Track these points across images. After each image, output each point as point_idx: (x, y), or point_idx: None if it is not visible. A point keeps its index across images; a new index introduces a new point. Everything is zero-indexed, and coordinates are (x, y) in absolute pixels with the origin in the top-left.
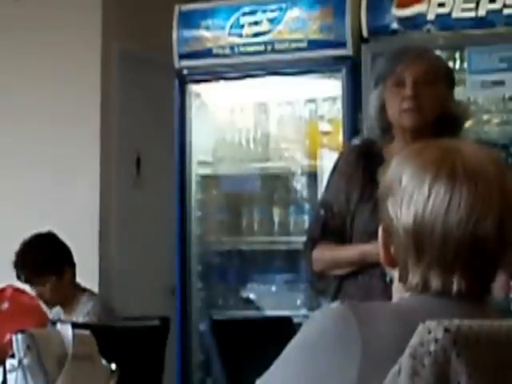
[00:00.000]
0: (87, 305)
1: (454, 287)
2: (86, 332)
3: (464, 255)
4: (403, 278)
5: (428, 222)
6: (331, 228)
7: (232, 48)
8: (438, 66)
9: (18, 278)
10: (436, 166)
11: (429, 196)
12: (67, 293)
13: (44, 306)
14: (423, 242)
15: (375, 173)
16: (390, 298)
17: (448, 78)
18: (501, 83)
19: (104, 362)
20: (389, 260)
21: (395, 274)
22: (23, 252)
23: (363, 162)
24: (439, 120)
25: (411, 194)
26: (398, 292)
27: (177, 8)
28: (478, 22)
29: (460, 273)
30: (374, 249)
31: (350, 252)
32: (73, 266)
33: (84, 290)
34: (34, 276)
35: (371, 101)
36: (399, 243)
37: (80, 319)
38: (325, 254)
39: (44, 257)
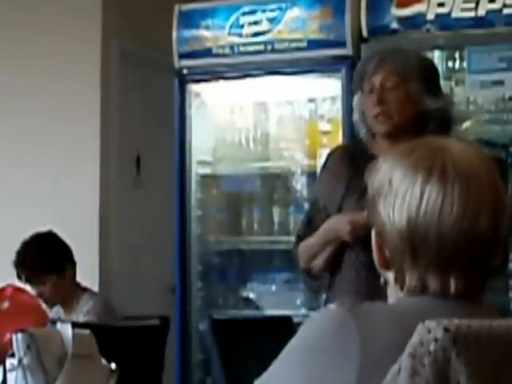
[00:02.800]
0: (88, 304)
1: (452, 288)
2: (86, 331)
3: (460, 255)
4: (399, 280)
5: (422, 225)
6: (317, 223)
7: (232, 48)
8: (405, 66)
9: (19, 277)
10: (427, 166)
11: (421, 198)
12: (67, 292)
13: (44, 306)
14: (418, 245)
15: (360, 166)
16: (376, 290)
17: (421, 75)
18: (500, 83)
19: (104, 361)
20: (383, 262)
21: (390, 276)
22: (24, 251)
23: (348, 158)
24: (419, 119)
25: (403, 197)
26: (394, 294)
27: (177, 8)
28: (477, 22)
29: (457, 273)
30: (332, 225)
31: (314, 237)
32: (73, 265)
33: (84, 289)
34: (35, 275)
35: (354, 106)
36: (394, 246)
37: (80, 318)
38: (302, 248)
39: (44, 256)
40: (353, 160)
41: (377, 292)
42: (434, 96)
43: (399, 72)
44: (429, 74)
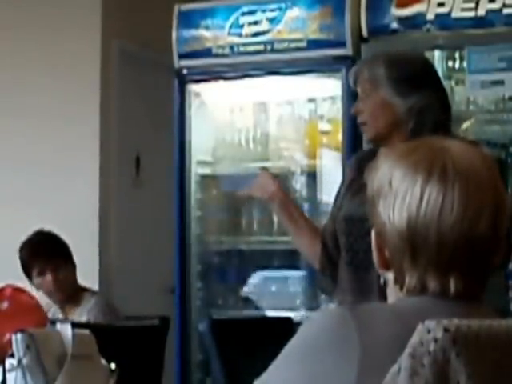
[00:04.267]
0: (90, 301)
1: (452, 288)
2: (86, 331)
3: (460, 256)
4: (399, 281)
5: (422, 226)
6: (327, 229)
7: (231, 48)
8: (373, 74)
9: (30, 267)
10: (427, 166)
11: (421, 198)
12: (73, 286)
13: (44, 306)
14: (418, 245)
15: (363, 168)
16: (370, 290)
17: (391, 79)
18: (500, 83)
19: (103, 361)
20: (383, 263)
21: (390, 276)
22: (36, 239)
23: (356, 163)
24: (398, 123)
25: (403, 197)
26: (394, 294)
27: (176, 8)
28: (477, 22)
29: (456, 274)
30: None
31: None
32: (75, 264)
33: (85, 289)
34: (52, 257)
35: None
36: (394, 246)
37: (84, 315)
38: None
39: (56, 243)
40: (359, 164)
41: (370, 291)
42: (404, 97)
43: (369, 81)
44: (400, 76)
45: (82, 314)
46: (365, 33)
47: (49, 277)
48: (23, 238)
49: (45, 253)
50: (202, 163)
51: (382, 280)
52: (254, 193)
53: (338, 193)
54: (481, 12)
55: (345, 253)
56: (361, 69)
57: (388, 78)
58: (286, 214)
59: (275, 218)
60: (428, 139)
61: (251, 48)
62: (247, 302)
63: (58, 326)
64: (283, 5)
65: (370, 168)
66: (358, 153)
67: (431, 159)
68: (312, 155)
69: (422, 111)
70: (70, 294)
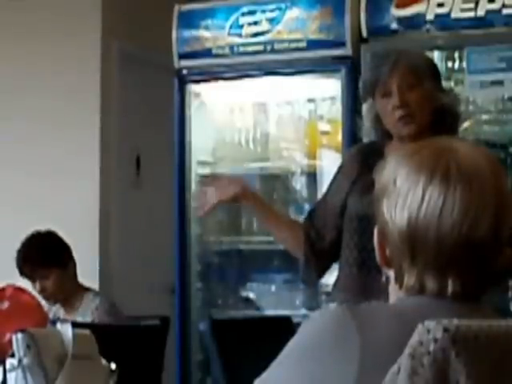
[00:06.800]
0: (95, 301)
1: (449, 289)
2: (86, 331)
3: (458, 258)
4: (398, 279)
5: (422, 226)
6: (316, 213)
7: (231, 48)
8: (417, 66)
9: (21, 272)
10: (430, 166)
11: (422, 199)
12: (70, 289)
13: (45, 305)
14: (417, 246)
15: (370, 165)
16: (368, 287)
17: (431, 72)
18: (500, 83)
19: (104, 361)
20: (385, 260)
21: (391, 273)
22: (27, 245)
23: (360, 156)
24: (436, 116)
25: (405, 196)
26: (395, 292)
27: (176, 8)
28: (477, 22)
29: (455, 275)
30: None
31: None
32: (74, 263)
33: (87, 288)
34: (39, 268)
35: (364, 114)
36: (394, 245)
37: (88, 315)
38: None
39: (47, 250)
40: (364, 159)
41: (368, 289)
42: (443, 91)
43: (414, 72)
44: (436, 70)
45: (85, 315)
46: (364, 33)
47: (37, 284)
48: (23, 238)
49: (33, 261)
50: (202, 163)
51: (383, 277)
52: (212, 199)
53: (334, 181)
54: (480, 12)
55: (357, 252)
56: (398, 62)
57: (430, 71)
58: (260, 211)
59: None
60: (435, 139)
61: (251, 48)
62: (247, 302)
63: (58, 325)
64: (283, 5)
65: (378, 167)
66: (358, 145)
67: (435, 159)
68: (312, 155)
69: (457, 106)
70: (66, 296)
